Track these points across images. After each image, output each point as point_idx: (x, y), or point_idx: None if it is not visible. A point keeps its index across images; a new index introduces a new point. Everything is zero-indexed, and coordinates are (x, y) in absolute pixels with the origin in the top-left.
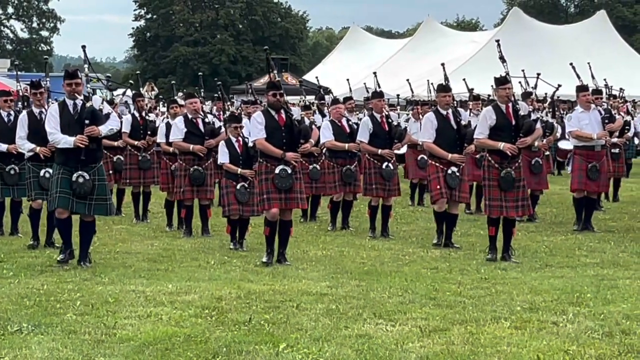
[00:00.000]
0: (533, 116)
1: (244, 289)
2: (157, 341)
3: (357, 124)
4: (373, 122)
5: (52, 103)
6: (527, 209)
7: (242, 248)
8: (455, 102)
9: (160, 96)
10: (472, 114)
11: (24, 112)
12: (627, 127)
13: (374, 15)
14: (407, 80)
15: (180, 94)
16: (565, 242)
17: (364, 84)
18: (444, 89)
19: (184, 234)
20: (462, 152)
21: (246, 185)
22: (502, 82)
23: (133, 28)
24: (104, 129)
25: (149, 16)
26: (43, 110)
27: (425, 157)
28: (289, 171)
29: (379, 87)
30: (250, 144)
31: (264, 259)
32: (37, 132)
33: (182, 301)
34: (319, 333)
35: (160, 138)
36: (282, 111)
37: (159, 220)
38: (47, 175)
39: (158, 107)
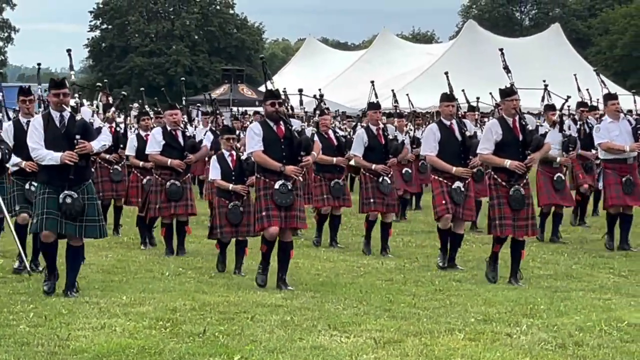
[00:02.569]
0: (541, 130)
1: (198, 301)
2: (111, 353)
3: (345, 137)
4: (369, 135)
5: (10, 118)
6: (535, 229)
7: (240, 273)
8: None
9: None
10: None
11: (10, 121)
12: None
13: (330, 27)
14: (392, 90)
15: (135, 105)
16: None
17: (315, 96)
18: (448, 98)
19: (165, 253)
20: (468, 165)
21: (239, 204)
22: (508, 93)
23: (88, 38)
24: (96, 145)
25: (104, 26)
26: (32, 120)
27: (410, 171)
28: (290, 186)
29: (323, 104)
30: (244, 157)
31: (259, 281)
32: (23, 144)
33: (136, 313)
34: (274, 344)
35: (129, 151)
36: (281, 122)
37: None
38: (32, 188)
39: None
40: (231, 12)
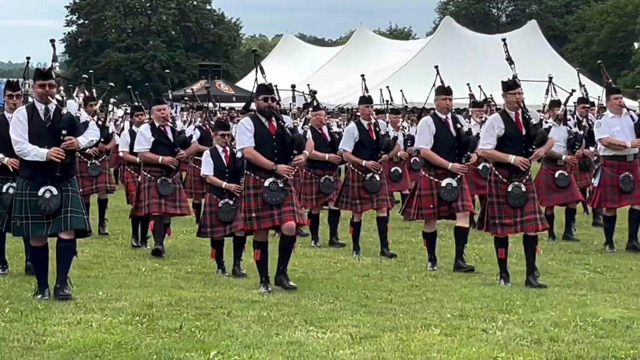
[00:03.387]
0: (545, 125)
1: (175, 296)
2: (87, 348)
3: (339, 133)
4: (360, 130)
5: None
6: (544, 223)
7: (240, 271)
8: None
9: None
10: (473, 122)
11: None
12: None
13: (307, 23)
14: (387, 87)
15: (113, 100)
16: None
17: (302, 92)
18: (445, 91)
19: (153, 251)
20: (462, 161)
21: (231, 203)
22: (510, 86)
23: (65, 33)
24: (83, 141)
25: (80, 21)
26: (15, 111)
27: (400, 170)
28: (280, 184)
29: (306, 98)
30: (239, 154)
31: (262, 289)
32: (8, 141)
33: (113, 308)
34: (250, 340)
35: (123, 146)
36: (273, 118)
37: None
38: (10, 190)
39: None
40: (208, 7)
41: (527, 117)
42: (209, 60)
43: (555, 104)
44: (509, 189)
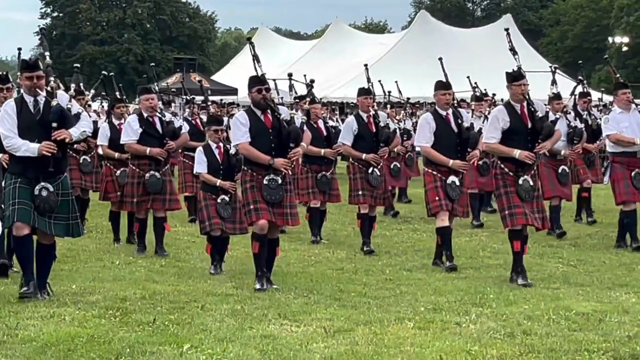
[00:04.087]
0: (551, 117)
1: (148, 290)
2: (60, 342)
3: (335, 127)
4: (359, 123)
5: None
6: (546, 221)
7: (220, 270)
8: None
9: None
10: (474, 116)
11: None
12: None
13: (282, 17)
14: (379, 81)
15: (92, 91)
16: (470, 243)
17: (306, 83)
18: (444, 86)
19: (137, 250)
20: (465, 158)
21: (227, 199)
22: (515, 77)
23: (39, 26)
24: (75, 133)
25: (55, 14)
26: (3, 104)
27: (399, 165)
28: (280, 181)
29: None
30: (232, 151)
31: (257, 286)
32: None
33: (86, 302)
34: (224, 333)
35: (101, 140)
36: (269, 111)
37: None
38: None
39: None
40: (183, 0)
41: (532, 109)
42: (184, 53)
43: (555, 97)
44: (520, 182)
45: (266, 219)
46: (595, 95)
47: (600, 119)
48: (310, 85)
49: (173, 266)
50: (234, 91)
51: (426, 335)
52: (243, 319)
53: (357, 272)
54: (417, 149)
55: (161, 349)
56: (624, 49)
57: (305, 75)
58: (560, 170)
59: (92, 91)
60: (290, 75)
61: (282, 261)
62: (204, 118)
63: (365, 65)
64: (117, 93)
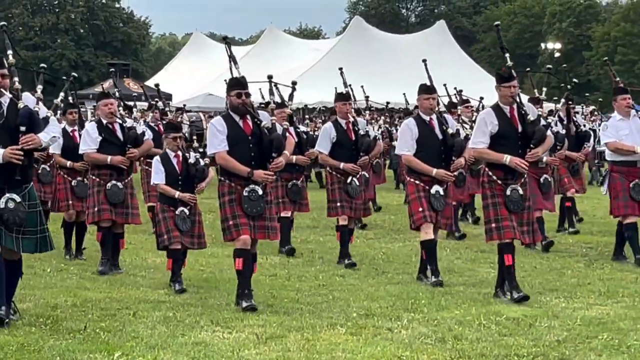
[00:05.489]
0: (543, 122)
1: (80, 297)
2: None
3: (306, 133)
4: (337, 130)
5: None
6: (537, 235)
7: (180, 286)
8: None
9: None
10: (461, 121)
11: None
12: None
13: (217, 22)
14: (362, 86)
15: (62, 94)
16: (403, 249)
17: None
18: (428, 89)
19: (100, 264)
20: (449, 166)
21: (187, 212)
22: (506, 78)
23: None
24: (45, 138)
25: None
26: None
27: (367, 175)
28: (260, 192)
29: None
30: (192, 160)
31: (244, 304)
32: None
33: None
34: (155, 341)
35: (54, 148)
36: (248, 117)
37: None
38: None
39: None
40: (117, 6)
41: (523, 112)
42: (118, 58)
43: (534, 101)
44: (507, 192)
45: (247, 235)
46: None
47: (584, 125)
48: (293, 87)
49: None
50: (168, 97)
51: (358, 341)
52: (175, 326)
53: (290, 278)
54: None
55: (92, 357)
56: (557, 54)
57: (294, 83)
58: (542, 180)
59: (62, 94)
60: (270, 77)
61: (215, 267)
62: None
63: (340, 68)
64: (70, 98)
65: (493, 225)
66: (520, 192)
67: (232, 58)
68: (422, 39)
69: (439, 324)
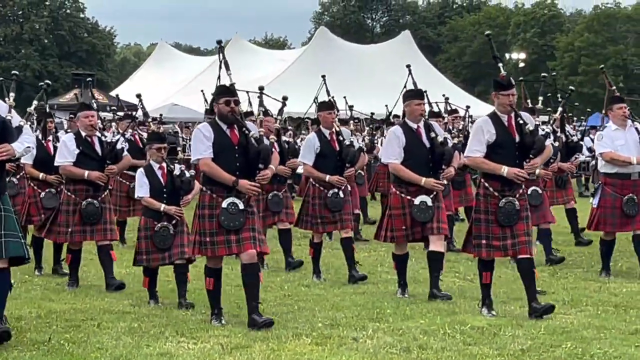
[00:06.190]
0: (541, 131)
1: (44, 308)
2: None
3: (288, 142)
4: (320, 140)
5: None
6: (530, 248)
7: (186, 302)
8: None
9: None
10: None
11: None
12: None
13: (183, 32)
14: (344, 97)
15: (35, 102)
16: (368, 259)
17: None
18: (419, 94)
19: (68, 284)
20: (438, 176)
21: (170, 227)
22: (504, 86)
23: None
24: (19, 148)
25: None
26: None
27: (363, 173)
28: (241, 206)
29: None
30: (177, 171)
31: (214, 323)
32: None
33: None
34: (120, 352)
35: (26, 158)
36: (236, 126)
37: None
38: None
39: None
40: (82, 16)
41: (520, 121)
42: (83, 69)
43: (529, 111)
44: (501, 203)
45: (222, 255)
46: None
47: (574, 136)
48: (283, 103)
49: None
50: (133, 107)
51: (323, 351)
52: (140, 336)
53: None
54: None
55: None
56: (521, 65)
57: (202, 91)
58: (530, 192)
59: (35, 102)
60: (261, 88)
61: None
62: (144, 135)
63: (323, 76)
64: (46, 107)
65: (483, 241)
66: (516, 205)
67: (225, 64)
68: (388, 49)
69: (404, 333)
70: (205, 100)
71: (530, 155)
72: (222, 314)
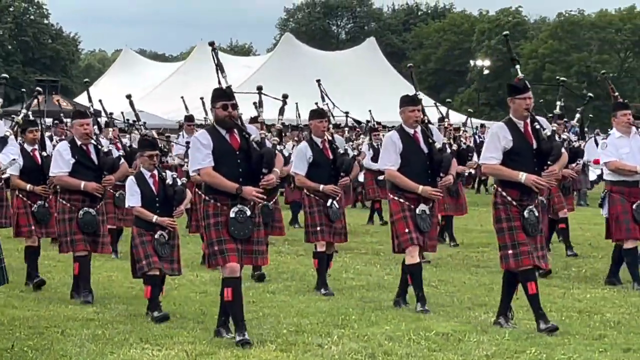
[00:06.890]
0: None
1: (7, 315)
2: None
3: (280, 150)
4: (312, 149)
5: None
6: (547, 260)
7: (159, 313)
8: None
9: None
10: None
11: None
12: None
13: (147, 38)
14: (332, 103)
15: (24, 111)
16: (334, 265)
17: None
18: (412, 101)
19: (83, 296)
20: (436, 183)
21: (165, 235)
22: (520, 89)
23: None
24: (4, 161)
25: None
26: None
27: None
28: (248, 213)
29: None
30: (169, 180)
31: (238, 337)
32: None
33: None
34: (84, 359)
35: (11, 170)
36: (236, 130)
37: None
38: None
39: None
40: (46, 22)
41: (537, 127)
42: (47, 75)
43: (559, 116)
44: (525, 214)
45: (235, 262)
46: (458, 117)
47: (575, 141)
48: (284, 101)
49: (32, 291)
50: (97, 114)
51: (288, 358)
52: (104, 343)
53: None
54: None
55: None
56: (485, 71)
57: (182, 97)
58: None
59: (24, 110)
60: (260, 88)
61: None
62: (126, 142)
63: (318, 80)
64: (30, 115)
65: (510, 251)
66: (536, 214)
67: (219, 66)
68: (353, 56)
69: (369, 339)
70: (186, 108)
71: (548, 162)
72: (245, 327)
